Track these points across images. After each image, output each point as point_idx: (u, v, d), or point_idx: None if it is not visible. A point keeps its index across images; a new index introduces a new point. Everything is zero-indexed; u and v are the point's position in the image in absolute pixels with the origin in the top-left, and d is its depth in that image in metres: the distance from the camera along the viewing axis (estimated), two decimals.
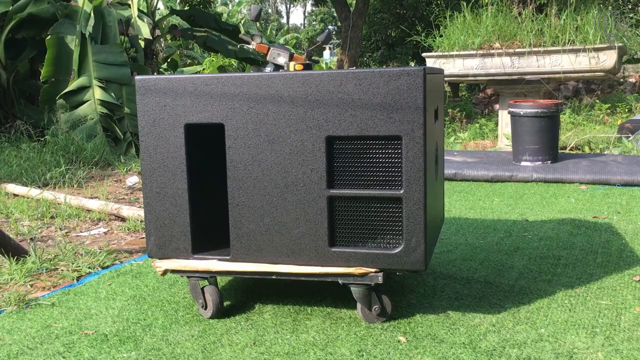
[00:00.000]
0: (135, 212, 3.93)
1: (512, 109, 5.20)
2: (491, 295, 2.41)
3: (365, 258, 2.09)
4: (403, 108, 1.99)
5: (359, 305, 2.19)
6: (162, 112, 2.20)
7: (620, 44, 5.58)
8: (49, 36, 7.50)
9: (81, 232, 3.81)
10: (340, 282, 2.14)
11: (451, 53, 6.16)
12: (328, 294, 2.47)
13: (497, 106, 11.86)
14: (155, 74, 9.61)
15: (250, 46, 3.43)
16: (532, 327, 2.11)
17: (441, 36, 6.48)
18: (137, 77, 2.21)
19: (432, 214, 2.21)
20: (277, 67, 3.24)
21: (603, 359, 1.87)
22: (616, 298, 2.35)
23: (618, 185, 4.55)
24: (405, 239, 2.05)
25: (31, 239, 3.61)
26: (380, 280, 2.09)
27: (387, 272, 2.14)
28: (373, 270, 2.10)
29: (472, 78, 6.27)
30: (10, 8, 7.80)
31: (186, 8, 12.53)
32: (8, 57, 8.21)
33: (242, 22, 22.96)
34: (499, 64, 5.99)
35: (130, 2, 8.63)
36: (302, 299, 2.43)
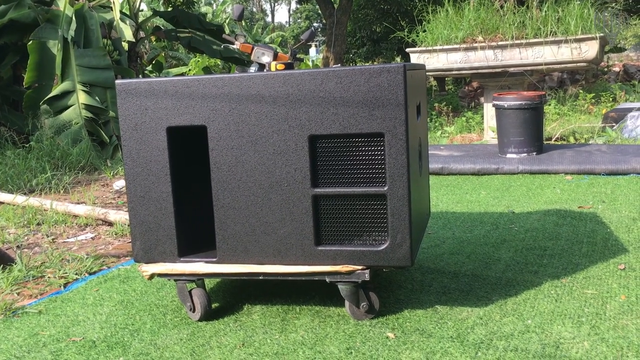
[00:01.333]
0: (122, 217, 3.91)
1: (496, 102, 5.23)
2: (478, 288, 2.43)
3: (351, 256, 2.10)
4: (384, 105, 2.00)
5: (346, 302, 2.19)
6: (144, 115, 2.19)
7: (601, 34, 5.62)
8: (31, 41, 7.44)
9: (68, 238, 3.78)
10: (327, 280, 2.15)
11: (435, 48, 6.18)
12: (316, 292, 2.48)
13: (483, 99, 11.92)
14: (140, 76, 9.57)
15: (235, 46, 3.43)
16: (519, 319, 2.13)
17: (424, 31, 6.49)
18: (117, 81, 2.20)
19: (417, 209, 2.22)
20: (262, 66, 3.23)
21: (589, 348, 1.89)
22: (602, 287, 2.37)
23: (603, 175, 4.59)
24: (390, 236, 2.06)
25: (17, 246, 3.59)
26: (367, 277, 2.10)
27: (374, 269, 2.15)
28: (360, 267, 2.10)
29: (456, 72, 6.30)
30: None
31: (169, 9, 12.48)
32: None
33: (227, 21, 22.89)
34: (483, 58, 6.01)
35: (112, 5, 8.58)
36: (290, 298, 2.44)
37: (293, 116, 2.07)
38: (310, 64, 21.61)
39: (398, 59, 16.09)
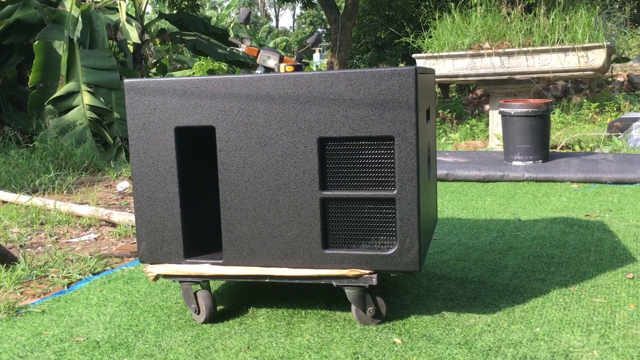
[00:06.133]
0: (126, 218, 3.90)
1: (502, 109, 5.21)
2: (486, 295, 2.41)
3: (359, 260, 2.08)
4: (395, 108, 1.98)
5: (353, 307, 2.17)
6: (152, 115, 2.18)
7: (608, 43, 5.61)
8: (37, 41, 7.44)
9: (71, 238, 3.77)
10: (334, 284, 2.13)
11: (441, 54, 6.17)
12: (322, 296, 2.45)
13: (487, 106, 11.90)
14: (144, 78, 9.56)
15: (240, 49, 3.41)
16: (527, 326, 2.10)
17: (430, 37, 6.49)
18: (126, 80, 2.19)
19: (425, 214, 2.20)
20: (267, 69, 3.22)
21: (599, 357, 1.87)
22: (610, 296, 2.35)
23: (609, 184, 4.57)
24: (399, 240, 2.04)
25: (21, 245, 3.57)
26: (374, 281, 2.08)
27: (382, 274, 2.13)
28: (367, 271, 2.08)
29: (462, 78, 6.28)
30: None
31: (174, 12, 12.49)
32: None
33: (231, 25, 22.92)
34: (489, 64, 6.00)
35: (118, 7, 8.59)
36: (296, 301, 2.42)
37: (302, 118, 2.05)
38: (314, 68, 21.63)
39: (402, 65, 16.09)
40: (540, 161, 5.15)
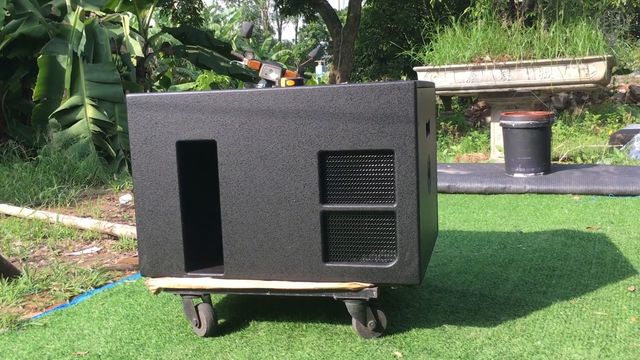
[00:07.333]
0: (128, 231, 3.91)
1: (503, 121, 5.23)
2: (487, 308, 2.41)
3: (359, 273, 2.08)
4: (395, 122, 2.00)
5: (354, 320, 2.18)
6: (154, 129, 2.20)
7: (609, 55, 5.63)
8: (41, 55, 7.50)
9: (74, 251, 3.78)
10: (334, 297, 2.13)
11: (442, 66, 6.20)
12: (323, 309, 2.46)
13: (489, 118, 11.92)
14: (147, 91, 9.62)
15: (243, 63, 3.44)
16: (528, 340, 2.10)
17: (432, 50, 6.52)
18: (128, 95, 2.21)
19: (425, 227, 2.21)
20: (270, 83, 3.24)
21: None
22: (611, 309, 2.35)
23: (611, 196, 4.57)
24: (399, 253, 2.04)
25: (23, 259, 3.58)
26: (374, 294, 2.08)
27: (382, 287, 2.13)
28: (367, 284, 2.09)
29: (463, 91, 6.31)
30: (2, 28, 7.81)
31: (178, 25, 12.58)
32: (0, 77, 8.20)
33: (234, 39, 23.07)
34: (490, 77, 6.02)
35: (122, 21, 8.66)
36: (297, 315, 2.42)
37: (303, 132, 2.07)
38: (316, 81, 21.72)
39: (404, 78, 16.16)
40: (542, 173, 5.15)
